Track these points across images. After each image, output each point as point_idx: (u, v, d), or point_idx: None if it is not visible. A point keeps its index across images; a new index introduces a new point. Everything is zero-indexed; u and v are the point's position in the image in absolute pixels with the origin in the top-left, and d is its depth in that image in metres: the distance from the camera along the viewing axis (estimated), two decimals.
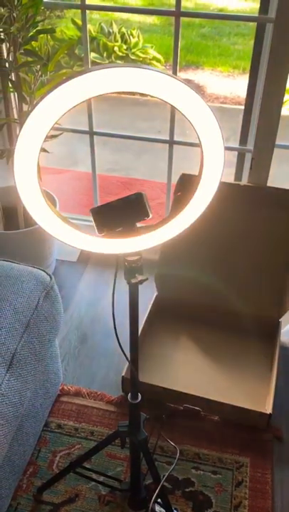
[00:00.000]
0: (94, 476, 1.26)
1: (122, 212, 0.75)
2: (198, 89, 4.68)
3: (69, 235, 0.78)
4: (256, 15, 1.56)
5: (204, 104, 0.64)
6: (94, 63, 4.05)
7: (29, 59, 1.48)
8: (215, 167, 0.72)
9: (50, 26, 1.69)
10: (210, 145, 0.68)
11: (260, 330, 1.61)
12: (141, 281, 0.84)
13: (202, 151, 0.70)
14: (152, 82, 0.61)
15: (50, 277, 1.16)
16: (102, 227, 0.75)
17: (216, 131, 0.67)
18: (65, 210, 2.12)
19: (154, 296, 1.68)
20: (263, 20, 1.50)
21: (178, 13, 1.46)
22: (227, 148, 1.88)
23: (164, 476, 1.26)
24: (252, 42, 1.66)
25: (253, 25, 1.66)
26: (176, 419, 1.40)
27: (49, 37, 1.63)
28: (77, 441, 1.35)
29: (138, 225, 0.78)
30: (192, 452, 1.33)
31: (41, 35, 1.49)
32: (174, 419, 1.40)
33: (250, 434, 1.38)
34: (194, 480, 1.28)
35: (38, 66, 1.49)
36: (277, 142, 1.59)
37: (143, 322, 1.57)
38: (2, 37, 1.43)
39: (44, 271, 1.17)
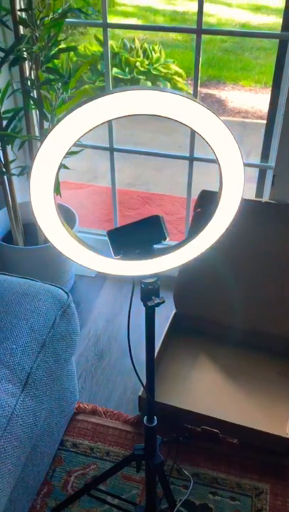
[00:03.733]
0: (108, 498, 1.23)
1: (138, 234, 0.74)
2: (220, 103, 4.68)
3: (83, 256, 0.77)
4: (278, 32, 1.54)
5: (222, 124, 0.63)
6: (116, 79, 4.10)
7: (51, 77, 1.49)
8: (235, 189, 0.70)
9: (72, 43, 1.71)
10: (229, 168, 0.67)
11: (281, 349, 1.57)
12: (157, 304, 0.83)
13: (221, 172, 0.68)
14: (168, 104, 0.60)
15: (68, 295, 1.15)
16: (118, 249, 0.74)
17: (235, 152, 0.66)
18: (85, 225, 2.12)
19: (173, 314, 1.66)
20: (286, 37, 1.49)
21: (199, 30, 1.45)
22: (248, 165, 1.86)
23: (180, 500, 1.23)
24: (274, 56, 1.65)
25: (276, 40, 1.65)
26: (193, 441, 1.37)
27: (72, 53, 1.64)
28: (92, 461, 1.33)
29: (155, 246, 0.77)
30: (210, 476, 1.30)
31: (63, 53, 1.50)
32: (191, 441, 1.37)
33: (270, 458, 1.33)
34: (212, 506, 1.24)
35: (60, 84, 1.50)
36: None
37: (161, 340, 1.55)
38: (25, 56, 1.45)
39: (62, 288, 1.16)
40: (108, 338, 1.73)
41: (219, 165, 0.68)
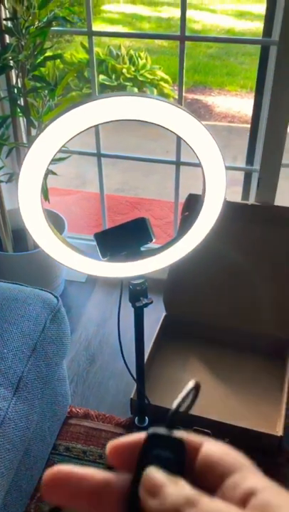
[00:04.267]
0: None
1: (125, 236, 0.76)
2: (206, 108, 4.73)
3: (72, 259, 0.79)
4: (260, 38, 1.58)
5: (203, 128, 0.65)
6: (102, 85, 4.13)
7: (37, 84, 1.51)
8: (217, 192, 0.72)
9: (59, 51, 1.73)
10: (212, 171, 0.69)
11: (271, 350, 1.59)
12: (146, 305, 0.85)
13: (204, 176, 0.71)
14: (152, 110, 0.62)
15: (57, 299, 1.16)
16: (105, 251, 0.76)
17: (217, 156, 0.68)
18: (74, 231, 2.14)
19: (163, 316, 1.68)
20: (267, 43, 1.52)
21: (183, 37, 1.48)
22: (233, 169, 1.89)
23: None
24: (258, 61, 1.68)
25: (259, 45, 1.68)
26: None
27: (58, 61, 1.66)
28: (85, 464, 1.34)
29: (142, 248, 0.79)
30: None
31: (49, 61, 1.52)
32: None
33: (261, 457, 1.35)
34: None
35: (46, 91, 1.52)
36: (286, 161, 1.60)
37: (151, 343, 1.56)
38: (11, 64, 1.47)
39: (51, 293, 1.17)
40: (99, 342, 1.74)
41: (202, 168, 0.70)
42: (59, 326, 1.13)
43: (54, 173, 1.54)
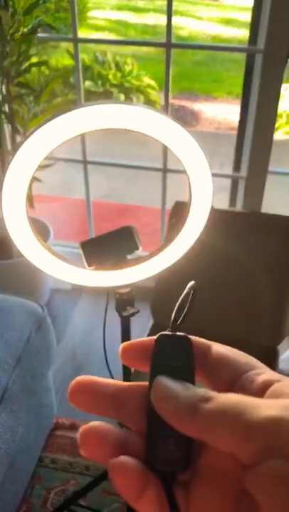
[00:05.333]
0: None
1: (111, 245, 0.74)
2: (193, 115, 4.75)
3: (57, 268, 0.77)
4: (246, 45, 1.58)
5: (188, 134, 0.64)
6: (88, 92, 4.12)
7: (22, 91, 1.50)
8: (204, 199, 0.71)
9: (44, 57, 1.72)
10: (197, 178, 0.68)
11: (259, 358, 1.58)
12: (132, 314, 0.83)
13: (189, 183, 0.70)
14: (136, 117, 0.61)
15: (43, 309, 1.14)
16: (91, 260, 0.74)
17: (202, 164, 0.67)
18: (59, 238, 2.12)
19: (150, 325, 1.66)
20: (252, 51, 1.53)
21: (168, 44, 1.48)
22: (220, 176, 1.89)
23: None
24: (244, 68, 1.69)
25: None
26: None
27: (44, 67, 1.65)
28: (72, 476, 1.32)
29: (129, 257, 0.77)
30: None
31: (34, 67, 1.51)
32: None
33: None
34: None
35: (31, 97, 1.50)
36: (274, 168, 1.60)
37: None
38: None
39: (37, 302, 1.16)
40: (86, 352, 1.72)
41: (188, 176, 0.69)
42: (44, 336, 1.11)
43: (39, 180, 1.53)
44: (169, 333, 0.29)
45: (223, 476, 0.24)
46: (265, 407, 0.22)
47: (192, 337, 0.29)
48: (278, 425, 0.22)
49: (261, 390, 0.25)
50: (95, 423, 0.27)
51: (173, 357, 0.27)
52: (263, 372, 0.26)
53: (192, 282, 0.32)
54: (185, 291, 0.31)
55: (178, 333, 0.29)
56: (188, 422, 0.24)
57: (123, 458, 0.25)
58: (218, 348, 0.29)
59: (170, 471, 0.25)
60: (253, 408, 0.23)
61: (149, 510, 0.25)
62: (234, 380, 0.26)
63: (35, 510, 1.24)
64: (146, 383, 0.27)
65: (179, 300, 0.30)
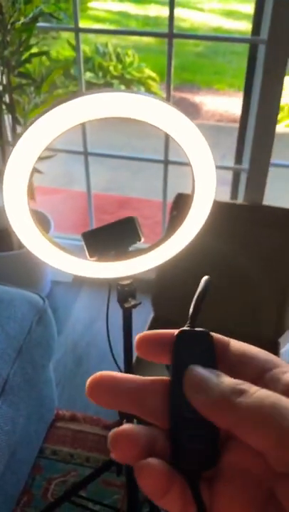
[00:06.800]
0: (90, 504, 1.22)
1: (113, 236, 0.74)
2: (194, 107, 4.72)
3: (59, 259, 0.77)
4: (249, 36, 1.57)
5: (193, 125, 0.63)
6: (89, 83, 4.09)
7: (23, 81, 1.48)
8: (207, 190, 0.71)
9: (45, 48, 1.70)
10: (201, 170, 0.67)
11: None
12: (134, 306, 0.83)
13: (193, 175, 0.69)
14: (139, 106, 0.60)
15: (44, 301, 1.14)
16: (93, 251, 0.74)
17: (206, 154, 0.66)
18: (60, 230, 2.11)
19: (151, 317, 1.66)
20: (255, 41, 1.51)
21: (170, 34, 1.46)
22: (222, 168, 1.88)
23: None
24: (246, 60, 1.67)
25: (247, 44, 1.67)
26: None
27: (44, 58, 1.63)
28: (72, 467, 1.32)
29: (131, 248, 0.77)
30: None
31: (35, 58, 1.50)
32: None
33: None
34: None
35: (32, 88, 1.49)
36: (276, 160, 1.59)
37: None
38: None
39: (38, 294, 1.15)
40: (86, 344, 1.71)
41: (191, 167, 0.68)
42: (45, 327, 1.11)
43: (39, 172, 1.52)
44: (189, 328, 0.28)
45: (250, 476, 0.24)
46: None
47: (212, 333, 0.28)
48: None
49: (287, 390, 0.24)
50: (125, 426, 0.26)
51: (195, 352, 0.27)
52: (287, 371, 0.26)
53: (206, 277, 0.31)
54: (201, 287, 0.31)
55: (198, 329, 0.28)
56: (222, 415, 0.24)
57: (149, 460, 0.24)
58: (237, 344, 0.28)
59: (195, 469, 0.25)
60: None
61: (173, 507, 0.25)
62: (257, 377, 0.26)
63: (36, 501, 1.24)
64: (168, 378, 0.27)
65: (195, 296, 0.30)
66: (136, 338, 0.28)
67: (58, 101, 0.61)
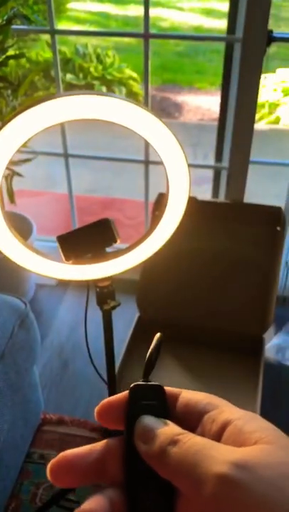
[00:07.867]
0: None
1: (89, 238, 0.74)
2: (176, 106, 4.73)
3: (36, 262, 0.76)
4: (224, 35, 1.57)
5: (163, 126, 0.64)
6: (69, 85, 4.08)
7: (0, 84, 1.47)
8: (181, 188, 0.71)
9: (24, 50, 1.69)
10: (174, 168, 0.67)
11: (245, 347, 1.59)
12: (113, 307, 0.83)
13: (166, 174, 0.69)
14: (109, 108, 0.60)
15: (25, 304, 1.13)
16: (69, 254, 0.74)
17: (178, 153, 0.66)
18: (43, 233, 2.10)
19: (136, 317, 1.66)
20: (231, 40, 1.52)
21: (146, 34, 1.47)
22: (202, 166, 1.88)
23: None
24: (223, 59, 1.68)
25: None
26: None
27: (24, 60, 1.62)
28: None
29: (109, 250, 0.77)
30: None
31: (12, 60, 1.49)
32: None
33: None
34: None
35: (9, 91, 1.48)
36: (256, 158, 1.60)
37: (125, 345, 1.54)
38: None
39: (19, 298, 1.15)
40: (72, 347, 1.71)
41: (164, 167, 0.68)
42: (28, 331, 1.10)
43: (19, 175, 1.51)
44: (143, 382, 0.30)
45: None
46: (217, 461, 0.23)
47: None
48: (224, 485, 0.22)
49: (221, 430, 0.25)
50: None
51: (149, 404, 0.28)
52: (224, 411, 0.26)
53: (158, 334, 0.33)
54: (153, 344, 0.32)
55: (151, 383, 0.30)
56: (159, 464, 0.25)
57: None
58: (185, 393, 0.29)
59: None
60: (209, 459, 0.23)
61: None
62: (199, 421, 0.27)
63: (25, 506, 1.24)
64: (122, 437, 0.28)
65: (149, 352, 0.32)
66: (95, 410, 0.29)
67: (23, 107, 0.61)
